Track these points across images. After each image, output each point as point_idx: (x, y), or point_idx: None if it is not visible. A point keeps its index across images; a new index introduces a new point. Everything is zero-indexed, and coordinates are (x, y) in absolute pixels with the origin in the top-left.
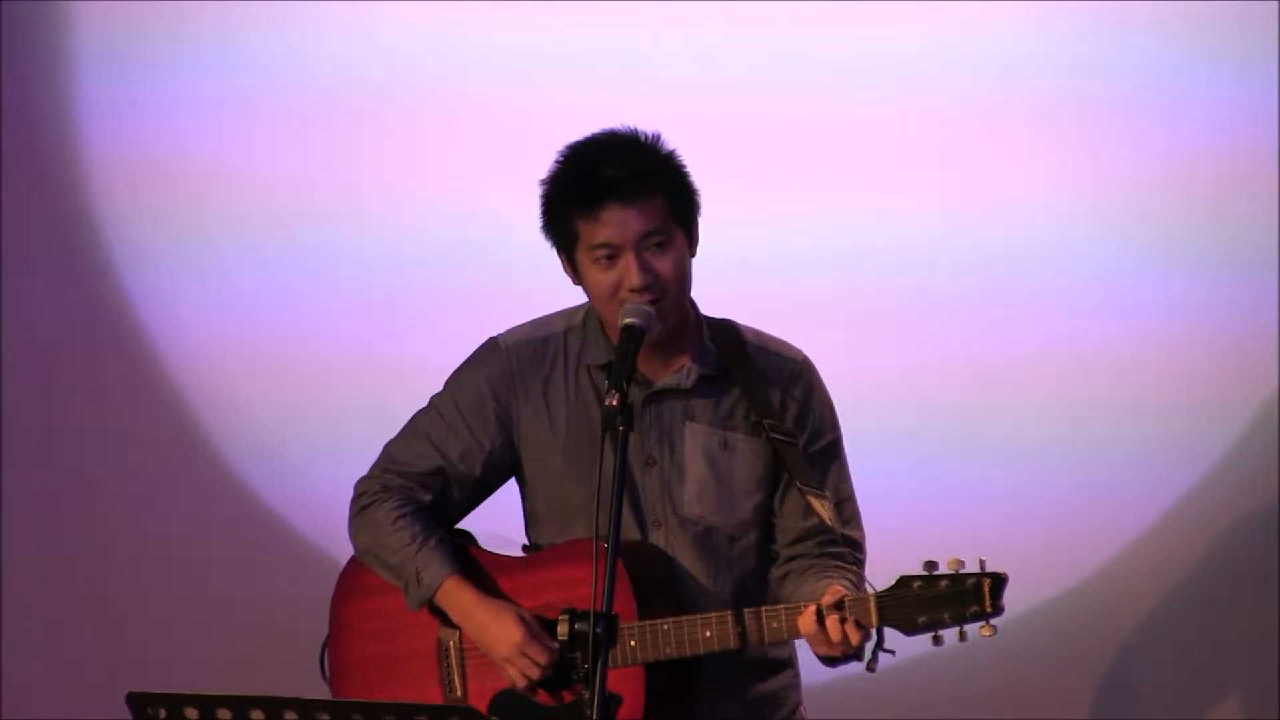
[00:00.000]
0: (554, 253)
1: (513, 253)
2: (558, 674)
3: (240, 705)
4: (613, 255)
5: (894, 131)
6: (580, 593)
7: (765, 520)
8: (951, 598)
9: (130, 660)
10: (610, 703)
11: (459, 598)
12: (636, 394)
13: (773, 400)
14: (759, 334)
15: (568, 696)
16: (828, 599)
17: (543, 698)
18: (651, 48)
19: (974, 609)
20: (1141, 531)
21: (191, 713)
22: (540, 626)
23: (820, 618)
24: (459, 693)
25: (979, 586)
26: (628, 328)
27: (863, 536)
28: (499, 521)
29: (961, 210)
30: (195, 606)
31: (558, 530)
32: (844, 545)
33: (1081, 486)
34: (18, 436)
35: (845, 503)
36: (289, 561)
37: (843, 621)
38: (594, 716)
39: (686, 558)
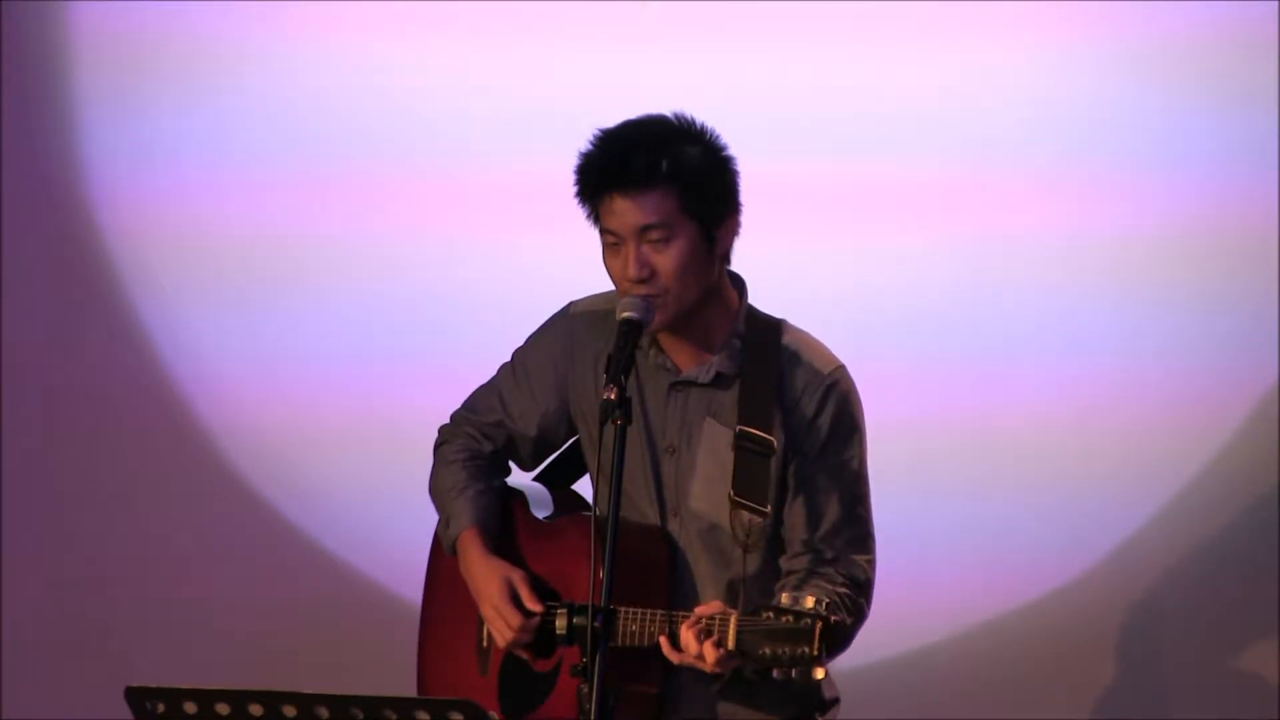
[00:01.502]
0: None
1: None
2: (542, 640)
3: (238, 699)
4: (617, 243)
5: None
6: (570, 566)
7: (774, 527)
8: (788, 634)
9: (131, 660)
10: (609, 696)
11: (468, 551)
12: (664, 379)
13: (776, 406)
14: (801, 339)
15: (543, 666)
16: (702, 610)
17: (530, 659)
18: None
19: (803, 650)
20: (1140, 526)
21: (190, 707)
22: (530, 590)
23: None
24: (485, 644)
25: (810, 630)
26: (624, 321)
27: (866, 560)
28: None
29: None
30: (196, 606)
31: (603, 498)
32: (834, 565)
33: (1080, 481)
34: (18, 436)
35: (851, 524)
36: (289, 559)
37: (703, 636)
38: (593, 710)
39: (693, 550)
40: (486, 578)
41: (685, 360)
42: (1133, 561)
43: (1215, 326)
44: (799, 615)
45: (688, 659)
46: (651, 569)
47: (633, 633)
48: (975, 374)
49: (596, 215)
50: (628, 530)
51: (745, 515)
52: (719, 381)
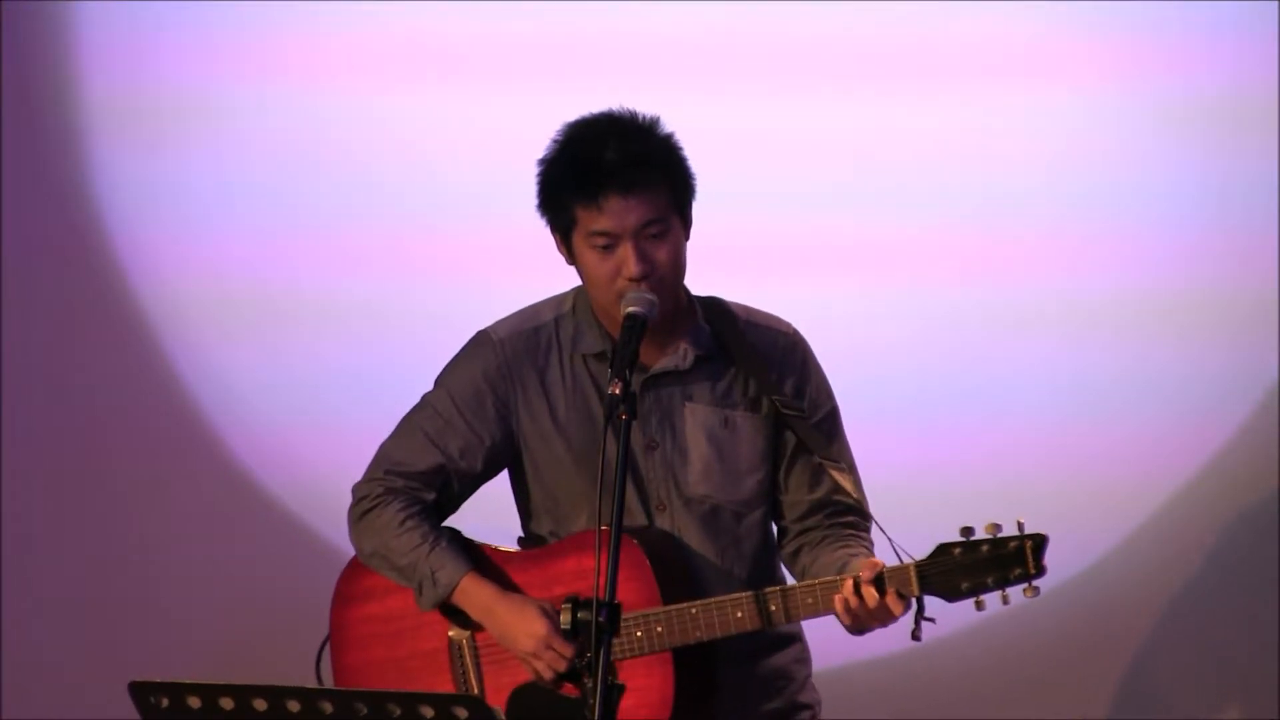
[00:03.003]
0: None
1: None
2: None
3: (242, 694)
4: (611, 244)
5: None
6: (583, 585)
7: (769, 495)
8: (994, 561)
9: (133, 660)
10: (613, 692)
11: (477, 595)
12: (634, 379)
13: (771, 375)
14: (748, 309)
15: (572, 691)
16: (866, 573)
17: (568, 689)
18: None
19: (1018, 571)
20: (1141, 523)
21: (194, 701)
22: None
23: (858, 590)
24: (475, 690)
25: (1021, 549)
26: (630, 316)
27: (863, 498)
28: (485, 516)
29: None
30: (197, 601)
31: (558, 521)
32: (853, 514)
33: (1081, 478)
34: (19, 435)
35: (848, 471)
36: (293, 555)
37: (883, 594)
38: (596, 704)
39: (693, 538)
40: (522, 616)
41: (650, 355)
42: (1132, 560)
43: (1216, 326)
44: (998, 542)
45: (863, 617)
46: (670, 566)
47: (738, 619)
48: (978, 369)
49: (572, 221)
50: (628, 537)
51: (837, 475)
52: (700, 365)
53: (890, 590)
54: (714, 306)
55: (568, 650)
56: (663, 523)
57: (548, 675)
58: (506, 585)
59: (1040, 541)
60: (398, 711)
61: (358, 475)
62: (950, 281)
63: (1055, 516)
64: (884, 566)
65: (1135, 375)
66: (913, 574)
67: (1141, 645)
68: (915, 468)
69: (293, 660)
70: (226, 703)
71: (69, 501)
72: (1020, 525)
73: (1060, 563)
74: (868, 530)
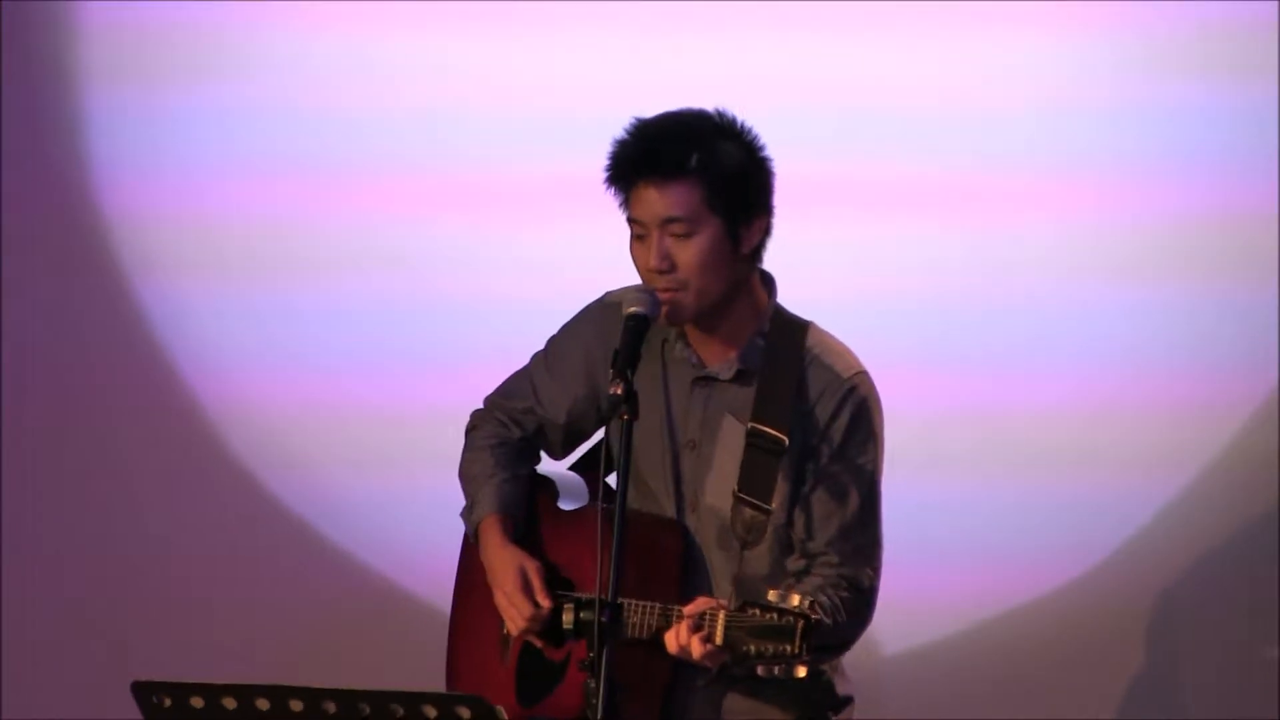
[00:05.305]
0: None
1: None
2: (555, 629)
3: (245, 694)
4: (642, 233)
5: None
6: (584, 555)
7: (785, 527)
8: (773, 631)
9: (134, 658)
10: (615, 691)
11: (487, 538)
12: (688, 373)
13: (792, 406)
14: (825, 342)
15: (555, 655)
16: (690, 608)
17: (544, 648)
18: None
19: (785, 647)
20: (1144, 524)
21: (197, 702)
22: (543, 581)
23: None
24: (505, 632)
25: (793, 627)
26: (631, 316)
27: (870, 570)
28: None
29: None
30: (199, 603)
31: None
32: (838, 568)
33: (1078, 485)
34: (19, 431)
35: (858, 531)
36: (294, 553)
37: (693, 631)
38: (599, 705)
39: (708, 545)
40: (502, 566)
41: (711, 356)
42: (1137, 560)
43: (1219, 325)
44: (783, 613)
45: (680, 653)
46: (664, 560)
47: (634, 625)
48: (983, 372)
49: (627, 203)
50: (641, 521)
51: (747, 512)
52: (740, 378)
53: (701, 633)
54: (788, 327)
55: (525, 609)
56: (690, 522)
57: (511, 629)
58: (533, 540)
59: (812, 625)
60: (401, 711)
61: (362, 473)
62: (951, 279)
63: (1055, 519)
64: (710, 608)
65: (1140, 374)
66: (720, 622)
67: (1141, 647)
68: (914, 469)
69: (295, 660)
70: (229, 703)
71: (69, 501)
72: (810, 605)
73: (1060, 566)
74: (852, 588)
